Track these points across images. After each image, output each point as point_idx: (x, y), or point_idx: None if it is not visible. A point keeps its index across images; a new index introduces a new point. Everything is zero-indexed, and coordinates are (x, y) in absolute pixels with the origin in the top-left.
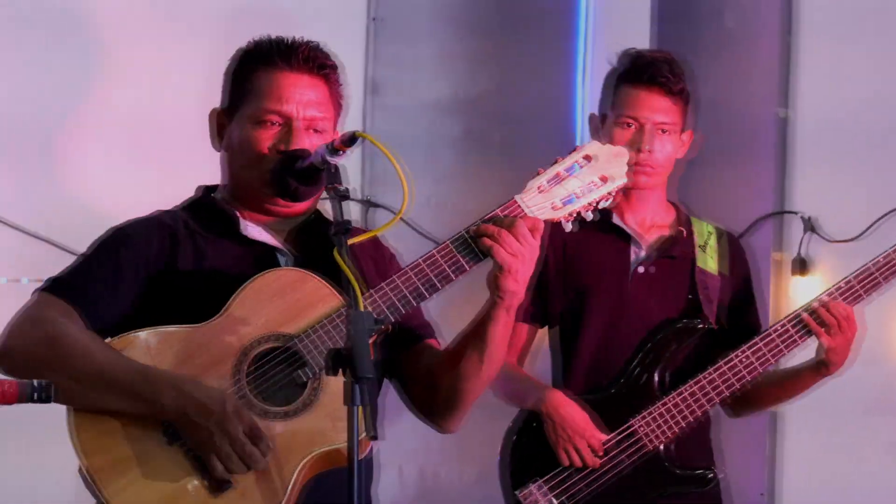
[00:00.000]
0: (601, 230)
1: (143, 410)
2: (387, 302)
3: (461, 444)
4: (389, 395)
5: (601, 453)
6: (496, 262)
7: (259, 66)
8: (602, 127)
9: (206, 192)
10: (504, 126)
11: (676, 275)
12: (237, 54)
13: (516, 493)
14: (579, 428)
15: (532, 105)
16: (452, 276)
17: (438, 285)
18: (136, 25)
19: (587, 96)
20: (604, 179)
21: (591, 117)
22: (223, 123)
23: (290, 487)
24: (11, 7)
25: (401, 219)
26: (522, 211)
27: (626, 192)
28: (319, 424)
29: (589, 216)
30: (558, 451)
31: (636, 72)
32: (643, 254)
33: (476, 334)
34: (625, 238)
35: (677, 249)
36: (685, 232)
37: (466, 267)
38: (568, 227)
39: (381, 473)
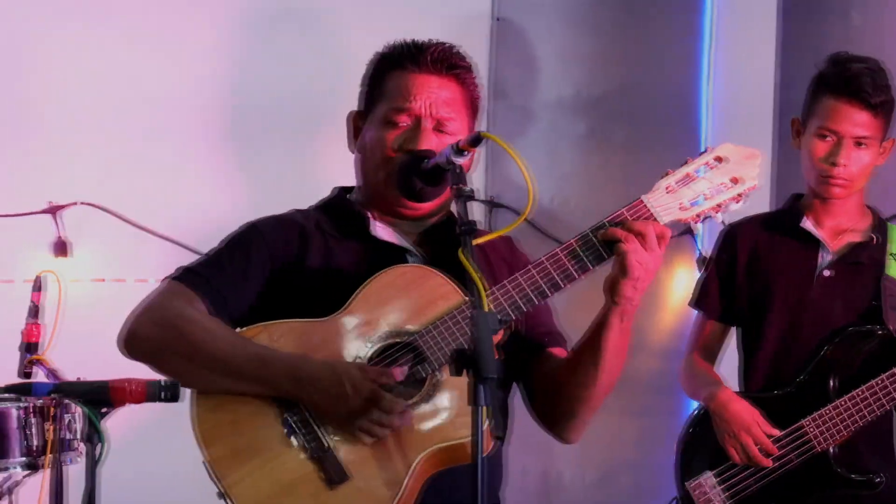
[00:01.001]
0: (791, 233)
1: (266, 393)
2: (508, 299)
3: (585, 445)
4: (513, 397)
5: (769, 451)
6: (621, 267)
7: (391, 68)
8: (803, 132)
9: (341, 192)
10: (627, 125)
11: (862, 280)
12: (372, 59)
13: (686, 483)
14: (745, 424)
15: (656, 104)
16: (576, 275)
17: (561, 284)
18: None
19: (712, 94)
20: (735, 181)
21: (793, 121)
22: (359, 126)
23: (406, 481)
24: None
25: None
26: (649, 211)
27: (821, 198)
28: (437, 420)
29: (719, 218)
30: (725, 446)
31: (839, 83)
32: (829, 258)
33: (591, 343)
34: (814, 242)
35: (866, 255)
36: (877, 238)
37: (590, 267)
38: (696, 228)
39: (506, 475)
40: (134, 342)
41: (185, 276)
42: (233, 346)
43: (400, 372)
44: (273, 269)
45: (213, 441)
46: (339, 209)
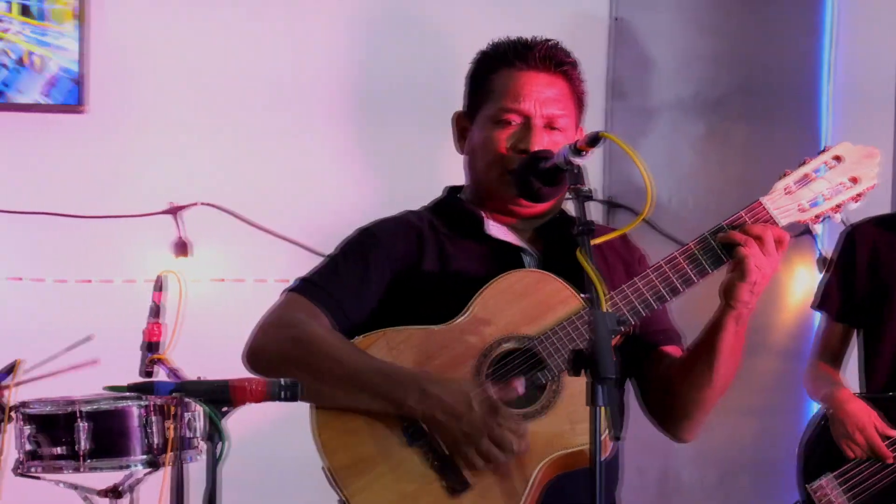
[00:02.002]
0: None
1: (389, 410)
2: (628, 304)
3: (703, 445)
4: (628, 395)
5: (881, 454)
6: (739, 271)
7: (497, 66)
8: None
9: (452, 192)
10: (746, 125)
11: None
12: (476, 58)
13: (808, 486)
14: (860, 423)
15: (775, 104)
16: (694, 279)
17: (680, 289)
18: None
19: (832, 93)
20: (854, 181)
21: None
22: (465, 126)
23: (528, 489)
24: None
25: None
26: (768, 213)
27: None
28: (558, 426)
29: (838, 218)
30: (841, 446)
31: None
32: None
33: (705, 344)
34: None
35: None
36: None
37: (709, 271)
38: (816, 228)
39: (623, 475)
40: (258, 359)
41: (305, 288)
42: (357, 362)
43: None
44: (392, 274)
45: (335, 450)
46: (452, 209)
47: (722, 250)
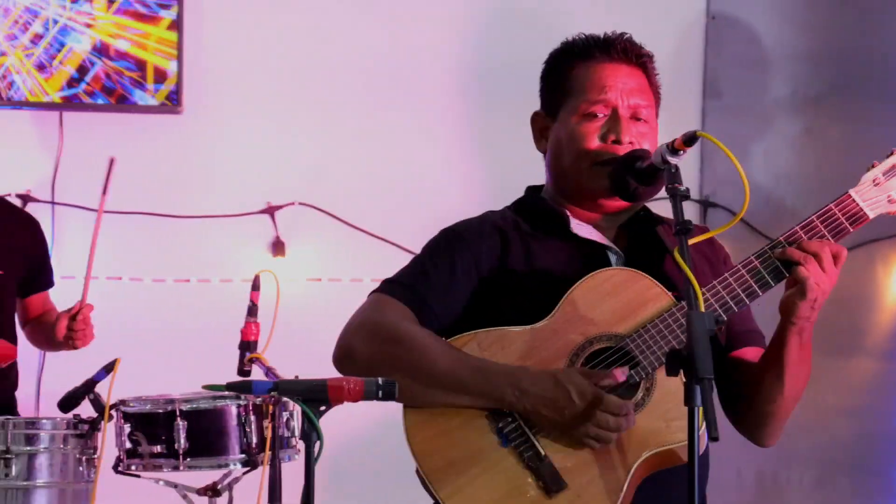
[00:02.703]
0: None
1: (486, 406)
2: (719, 301)
3: (801, 446)
4: None
5: None
6: (800, 290)
7: (577, 61)
8: None
9: (533, 191)
10: (843, 124)
11: None
12: (551, 55)
13: None
14: None
15: (874, 102)
16: (759, 291)
17: (771, 283)
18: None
19: None
20: None
21: None
22: (545, 125)
23: (624, 488)
24: None
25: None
26: (857, 205)
27: None
28: (652, 424)
29: None
30: None
31: None
32: None
33: (772, 359)
34: None
35: None
36: None
37: (772, 284)
38: None
39: (718, 474)
40: (347, 360)
41: (393, 289)
42: (451, 359)
43: (621, 372)
44: (478, 274)
45: (428, 452)
46: (536, 208)
47: (782, 267)
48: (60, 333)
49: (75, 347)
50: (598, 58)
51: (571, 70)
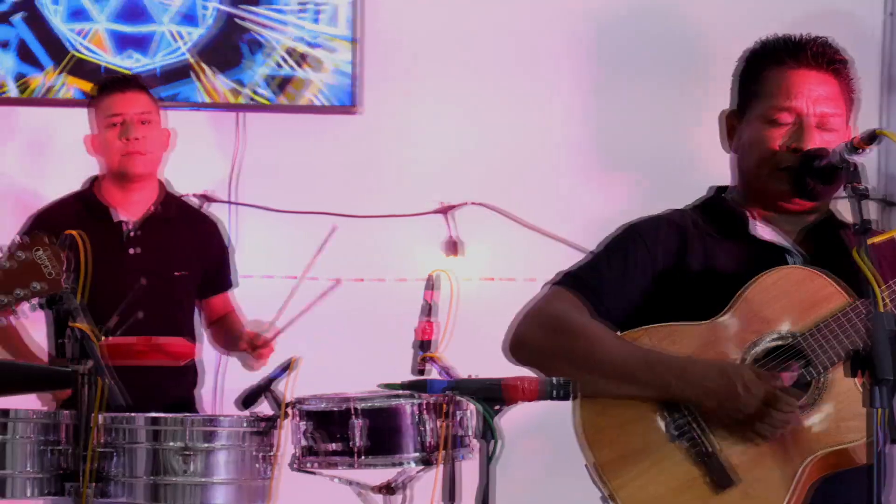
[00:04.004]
0: None
1: (653, 396)
2: None
3: None
4: None
5: None
6: None
7: (768, 65)
8: None
9: (718, 192)
10: None
11: None
12: (744, 55)
13: None
14: None
15: None
16: None
17: None
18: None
19: None
20: None
21: None
22: (734, 125)
23: (793, 487)
24: None
25: None
26: None
27: None
28: (824, 424)
29: None
30: None
31: None
32: None
33: None
34: None
35: None
36: None
37: None
38: None
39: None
40: (521, 348)
41: (568, 281)
42: (620, 349)
43: (788, 377)
44: (654, 271)
45: (600, 445)
46: (718, 209)
47: None
48: (242, 348)
49: (252, 368)
50: (789, 63)
51: (762, 73)
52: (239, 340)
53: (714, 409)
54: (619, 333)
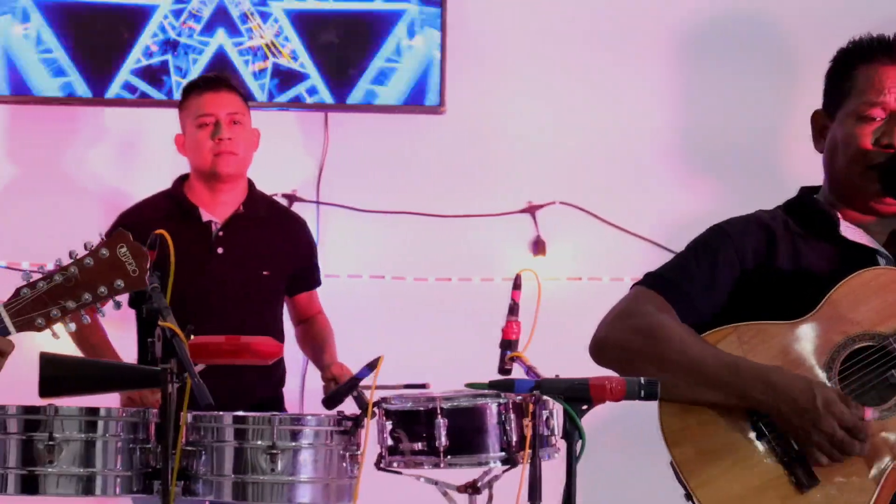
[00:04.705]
0: None
1: (735, 403)
2: None
3: None
4: None
5: None
6: None
7: (859, 62)
8: None
9: (808, 192)
10: None
11: None
12: (836, 55)
13: None
14: None
15: None
16: None
17: None
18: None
19: None
20: None
21: None
22: (824, 125)
23: (878, 488)
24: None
25: None
26: None
27: None
28: None
29: None
30: None
31: None
32: None
33: None
34: None
35: None
36: None
37: None
38: None
39: None
40: (605, 349)
41: (654, 282)
42: (704, 353)
43: (870, 412)
44: (742, 271)
45: (681, 442)
46: (807, 209)
47: None
48: (326, 377)
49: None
50: (880, 59)
51: (853, 70)
52: (323, 367)
53: (792, 421)
54: (706, 333)
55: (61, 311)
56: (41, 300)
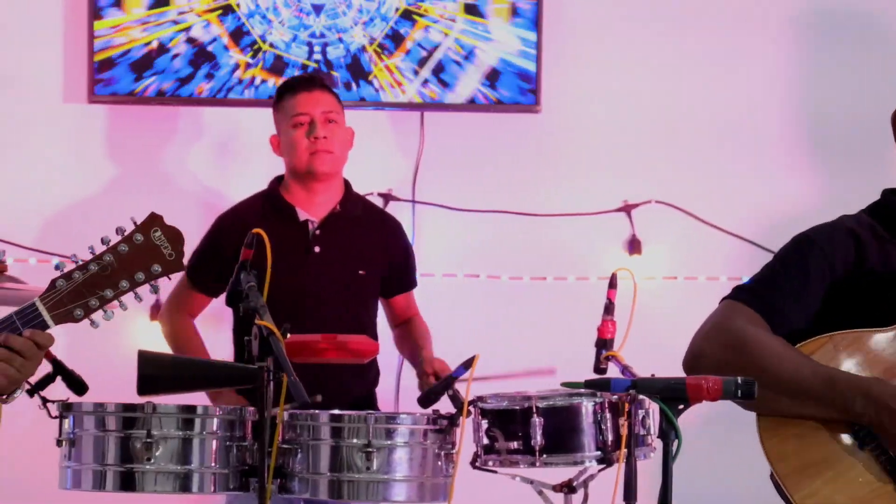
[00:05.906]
0: None
1: (834, 416)
2: None
3: None
4: None
5: None
6: None
7: None
8: None
9: (892, 194)
10: None
11: None
12: None
13: None
14: None
15: None
16: None
17: None
18: None
19: None
20: None
21: None
22: None
23: None
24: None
25: None
26: None
27: None
28: None
29: None
30: None
31: None
32: None
33: None
34: None
35: None
36: None
37: None
38: None
39: None
40: (698, 364)
41: (744, 296)
42: (800, 367)
43: None
44: (832, 280)
45: (782, 456)
46: (892, 212)
47: None
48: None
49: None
50: None
51: None
52: (422, 363)
53: (891, 430)
54: (800, 343)
55: (99, 300)
56: (78, 291)
